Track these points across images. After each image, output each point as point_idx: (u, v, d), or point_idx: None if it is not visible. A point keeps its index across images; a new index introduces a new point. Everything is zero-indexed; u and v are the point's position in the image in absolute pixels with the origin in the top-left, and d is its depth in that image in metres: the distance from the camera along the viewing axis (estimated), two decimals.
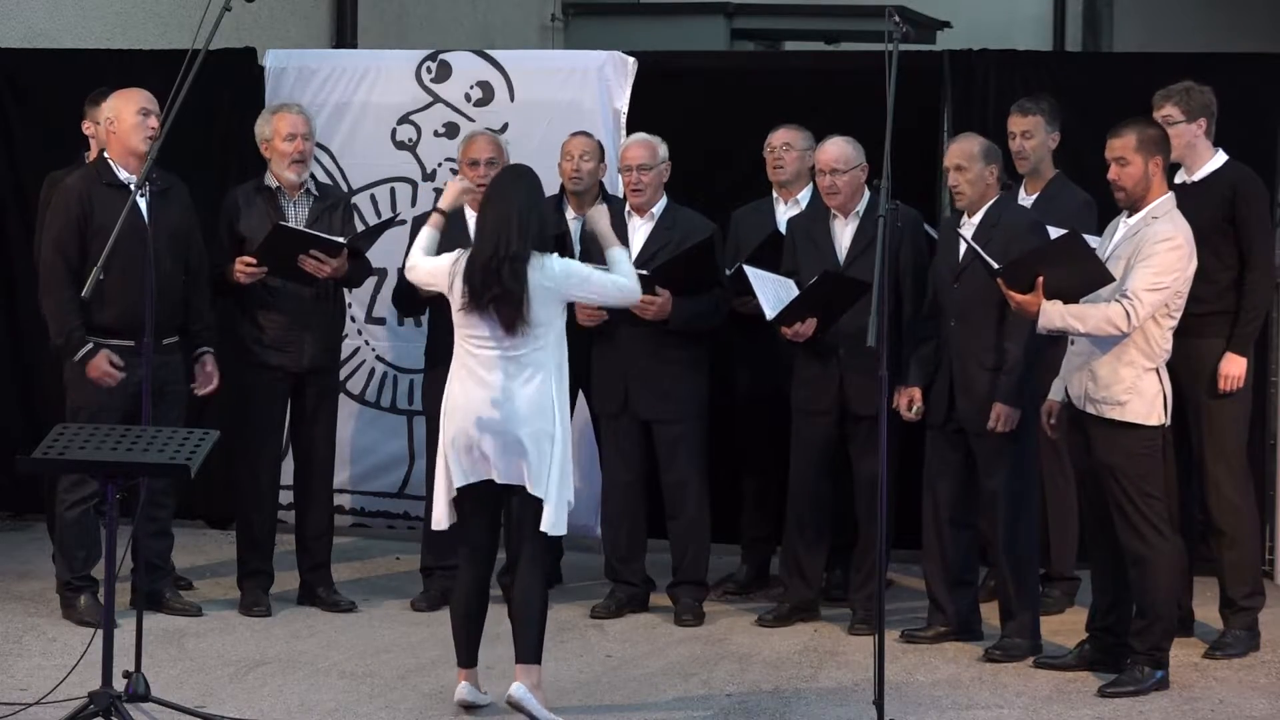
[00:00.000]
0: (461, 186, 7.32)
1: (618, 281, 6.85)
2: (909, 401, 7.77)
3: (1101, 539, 7.35)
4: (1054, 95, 8.40)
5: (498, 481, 6.68)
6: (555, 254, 6.78)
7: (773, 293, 7.89)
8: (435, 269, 6.91)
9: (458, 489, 6.74)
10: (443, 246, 7.08)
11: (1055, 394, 7.43)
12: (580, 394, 8.32)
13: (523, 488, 6.66)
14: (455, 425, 6.72)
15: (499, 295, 6.62)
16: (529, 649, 6.66)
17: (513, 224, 6.65)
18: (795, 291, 7.91)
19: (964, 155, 7.64)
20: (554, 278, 6.68)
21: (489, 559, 6.88)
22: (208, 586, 8.67)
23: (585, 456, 8.85)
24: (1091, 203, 8.00)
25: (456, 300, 6.75)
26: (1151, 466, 7.15)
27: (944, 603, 7.82)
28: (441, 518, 6.83)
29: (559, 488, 6.68)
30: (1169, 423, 7.21)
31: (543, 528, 6.67)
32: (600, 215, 7.09)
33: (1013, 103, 8.46)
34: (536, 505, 6.66)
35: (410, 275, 7.11)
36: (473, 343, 6.73)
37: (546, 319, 6.68)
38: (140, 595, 7.08)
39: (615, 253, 6.93)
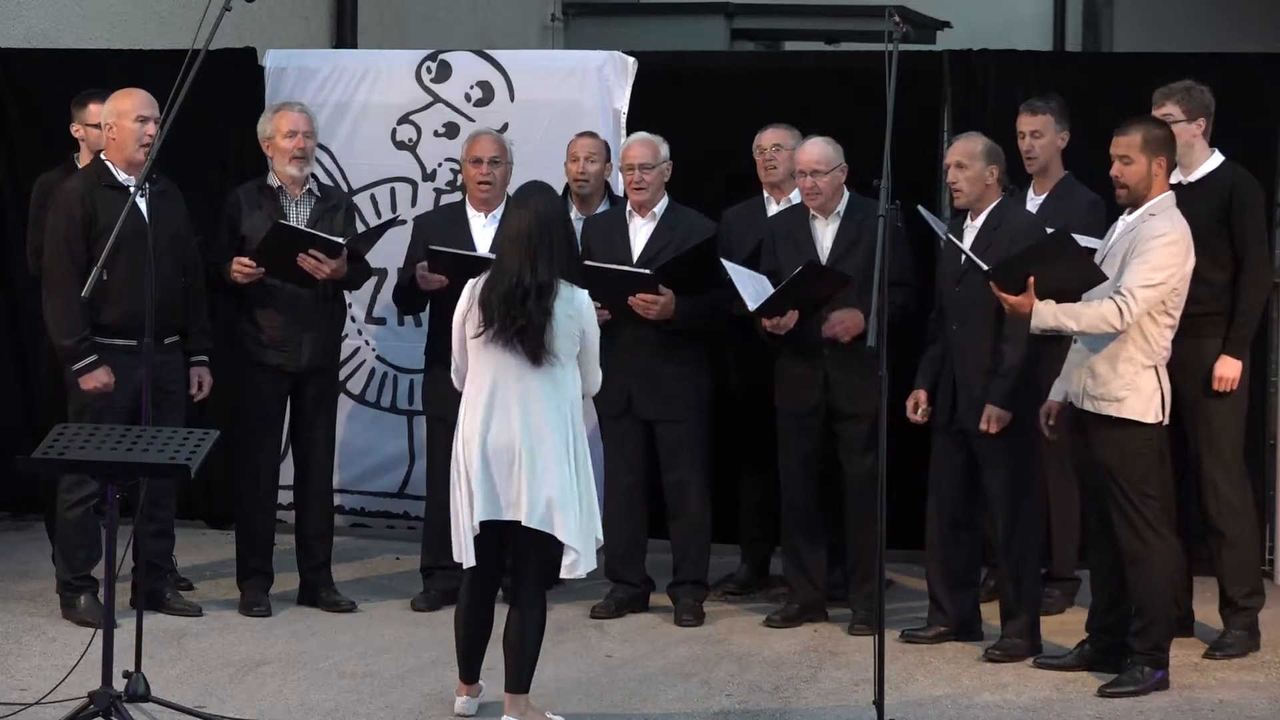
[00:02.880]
0: None
1: (593, 370, 6.58)
2: (914, 404, 7.76)
3: (1103, 539, 7.34)
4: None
5: (523, 523, 6.39)
6: (586, 291, 6.51)
7: (751, 287, 7.89)
8: (456, 326, 6.56)
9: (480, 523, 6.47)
10: (447, 242, 6.97)
11: (1055, 395, 7.43)
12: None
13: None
14: (476, 459, 6.42)
15: (524, 327, 6.34)
16: (518, 680, 6.54)
17: (538, 248, 6.36)
18: (772, 288, 7.89)
19: (966, 153, 7.64)
20: (579, 314, 6.42)
21: (494, 583, 6.70)
22: (208, 586, 8.67)
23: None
24: (1100, 203, 7.94)
25: (473, 329, 6.46)
26: (1148, 466, 7.15)
27: (944, 603, 7.82)
28: (466, 555, 6.51)
29: (583, 529, 6.44)
30: (1167, 422, 7.22)
31: (564, 575, 6.48)
32: None
33: (1012, 102, 8.48)
34: (545, 541, 6.44)
35: (455, 378, 6.64)
36: (491, 374, 6.46)
37: (567, 351, 6.45)
38: (140, 595, 7.08)
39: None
